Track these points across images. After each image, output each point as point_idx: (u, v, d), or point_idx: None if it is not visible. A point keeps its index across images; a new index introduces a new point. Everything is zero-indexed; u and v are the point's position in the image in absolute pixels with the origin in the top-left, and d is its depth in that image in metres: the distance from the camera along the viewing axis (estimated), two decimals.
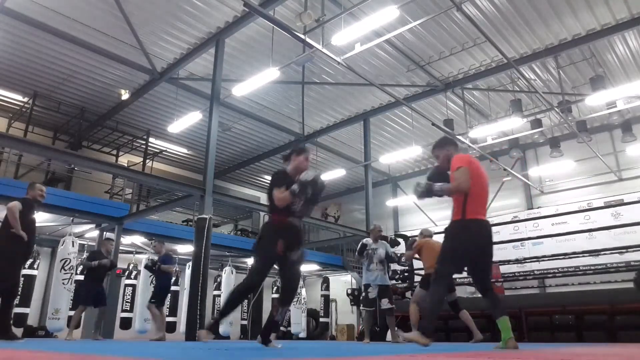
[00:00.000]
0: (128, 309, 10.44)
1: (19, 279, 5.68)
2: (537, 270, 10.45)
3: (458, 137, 10.21)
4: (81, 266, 8.42)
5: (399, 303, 7.76)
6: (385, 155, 11.98)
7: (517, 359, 2.09)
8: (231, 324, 11.87)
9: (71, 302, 8.86)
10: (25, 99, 11.08)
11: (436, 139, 4.26)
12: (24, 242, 5.08)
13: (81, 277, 9.39)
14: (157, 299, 7.67)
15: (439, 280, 3.38)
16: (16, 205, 5.09)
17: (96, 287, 7.34)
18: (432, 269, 5.43)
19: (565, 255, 8.93)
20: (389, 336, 7.78)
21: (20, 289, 8.83)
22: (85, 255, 8.97)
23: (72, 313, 8.94)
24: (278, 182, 3.56)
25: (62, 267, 8.48)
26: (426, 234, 6.39)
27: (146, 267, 8.66)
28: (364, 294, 6.38)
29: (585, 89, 9.76)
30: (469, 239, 3.36)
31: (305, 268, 14.86)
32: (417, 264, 7.93)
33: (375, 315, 6.41)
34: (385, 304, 6.17)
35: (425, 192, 3.48)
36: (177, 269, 9.74)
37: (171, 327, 11.31)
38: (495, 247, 3.49)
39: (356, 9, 7.28)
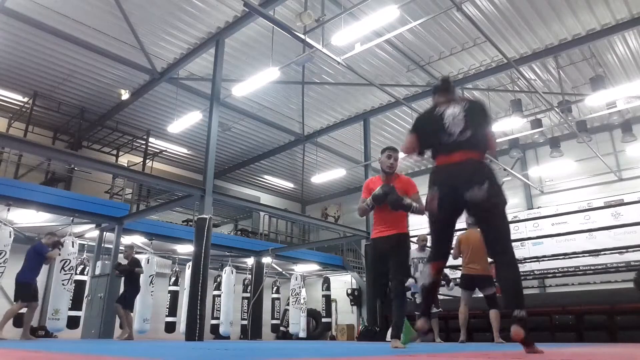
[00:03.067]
0: None
1: None
2: (537, 270, 10.46)
3: None
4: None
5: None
6: None
7: (517, 358, 2.09)
8: (231, 323, 11.86)
9: (71, 302, 8.85)
10: (25, 99, 11.08)
11: None
12: None
13: (81, 277, 9.43)
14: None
15: (404, 289, 3.82)
16: None
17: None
18: (470, 268, 5.69)
19: (565, 255, 8.93)
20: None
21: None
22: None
23: (71, 313, 8.95)
24: (490, 121, 3.15)
25: (62, 268, 8.46)
26: (471, 222, 5.48)
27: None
28: (411, 298, 6.67)
29: (585, 89, 9.76)
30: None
31: (305, 268, 14.85)
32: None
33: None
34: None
35: (384, 196, 3.61)
36: (58, 252, 7.46)
37: (171, 327, 11.32)
38: None
39: (356, 9, 7.29)
